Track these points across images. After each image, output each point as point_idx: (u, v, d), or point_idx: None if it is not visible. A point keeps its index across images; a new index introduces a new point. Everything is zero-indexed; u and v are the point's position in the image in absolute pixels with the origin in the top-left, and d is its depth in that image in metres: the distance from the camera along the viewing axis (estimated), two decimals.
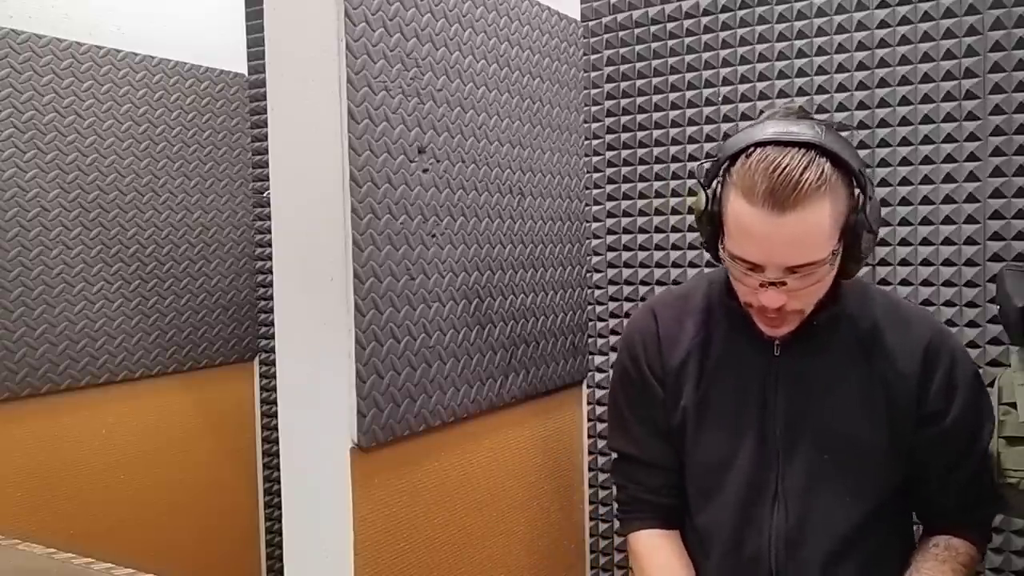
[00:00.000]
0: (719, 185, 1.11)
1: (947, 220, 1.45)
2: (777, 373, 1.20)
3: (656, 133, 1.70)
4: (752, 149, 1.05)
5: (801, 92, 1.54)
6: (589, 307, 1.81)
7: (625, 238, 1.76)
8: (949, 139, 1.43)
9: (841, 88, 1.51)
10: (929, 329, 1.20)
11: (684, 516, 1.31)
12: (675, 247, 1.70)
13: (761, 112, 1.56)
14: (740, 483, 1.21)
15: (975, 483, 1.17)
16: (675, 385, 1.27)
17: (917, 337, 1.18)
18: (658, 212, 1.72)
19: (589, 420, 1.82)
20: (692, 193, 1.15)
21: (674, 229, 1.70)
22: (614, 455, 1.39)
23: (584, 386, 1.83)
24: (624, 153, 1.75)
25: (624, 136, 1.74)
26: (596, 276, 1.80)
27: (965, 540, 1.20)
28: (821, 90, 1.53)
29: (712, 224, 1.12)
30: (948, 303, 1.45)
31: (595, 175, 1.78)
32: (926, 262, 1.47)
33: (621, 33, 1.73)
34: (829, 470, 1.18)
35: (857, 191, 1.06)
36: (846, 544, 1.17)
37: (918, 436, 1.17)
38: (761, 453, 1.20)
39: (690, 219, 1.66)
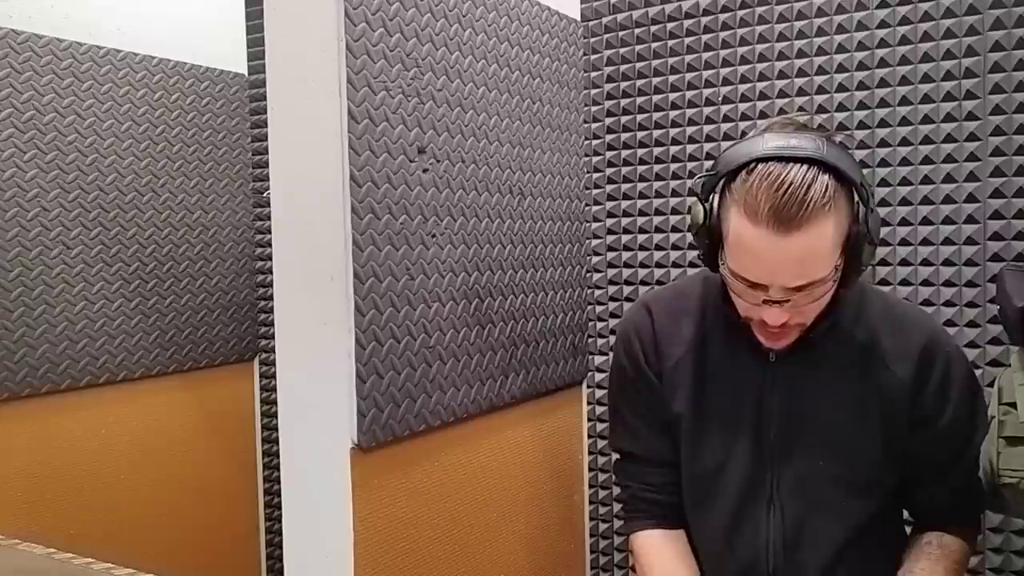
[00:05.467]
0: (718, 199, 1.08)
1: (947, 220, 1.45)
2: (773, 379, 1.19)
3: (656, 133, 1.70)
4: (753, 165, 1.02)
5: (801, 92, 1.54)
6: (589, 307, 1.81)
7: (625, 238, 1.76)
8: (949, 139, 1.43)
9: (841, 88, 1.51)
10: (925, 333, 1.18)
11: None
12: (675, 247, 1.70)
13: (761, 112, 1.57)
14: (734, 487, 1.21)
15: (968, 484, 1.16)
16: (670, 384, 1.26)
17: (913, 341, 1.17)
18: (658, 212, 1.72)
19: (589, 420, 1.82)
20: (691, 209, 1.14)
21: (674, 229, 1.70)
22: (616, 455, 1.38)
23: (584, 386, 1.82)
24: (624, 153, 1.75)
25: (624, 136, 1.74)
26: (596, 276, 1.80)
27: (957, 537, 1.20)
28: (821, 90, 1.53)
29: (711, 238, 1.10)
30: (948, 303, 1.45)
31: (595, 175, 1.78)
32: (926, 262, 1.47)
33: (621, 33, 1.73)
34: (825, 475, 1.17)
35: (857, 202, 1.04)
36: (844, 547, 1.17)
37: (911, 438, 1.17)
38: (756, 457, 1.20)
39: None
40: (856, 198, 1.04)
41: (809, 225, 0.99)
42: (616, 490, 1.39)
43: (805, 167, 1.00)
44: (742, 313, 1.13)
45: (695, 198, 1.12)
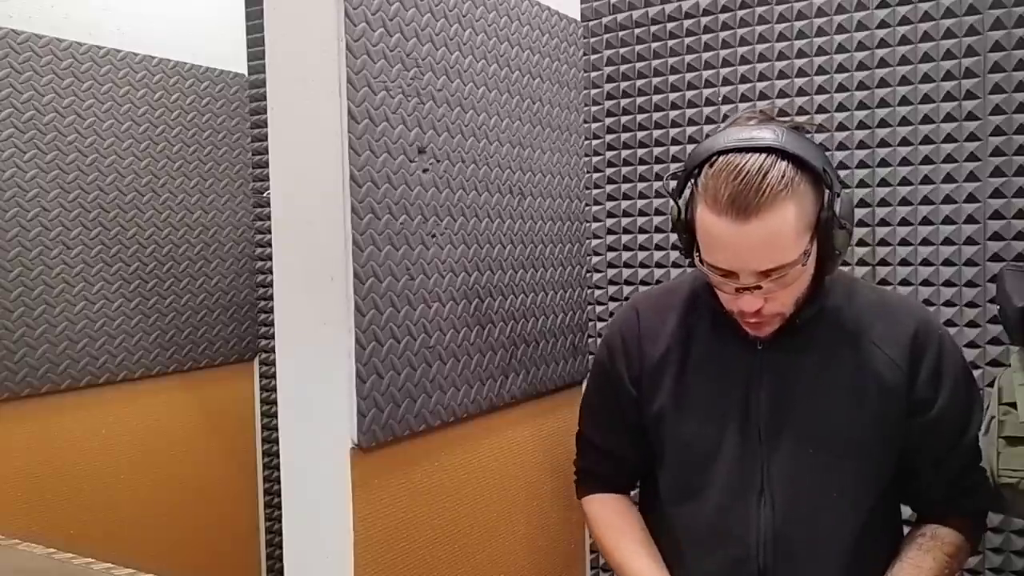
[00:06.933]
0: (687, 196, 1.13)
1: (947, 220, 1.45)
2: (761, 367, 1.20)
3: (656, 133, 1.70)
4: (715, 158, 1.06)
5: (801, 92, 1.54)
6: (589, 307, 1.81)
7: (625, 238, 1.76)
8: (949, 139, 1.43)
9: (841, 88, 1.51)
10: (916, 319, 1.20)
11: (658, 510, 1.30)
12: (675, 247, 1.70)
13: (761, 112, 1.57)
14: (724, 478, 1.20)
15: (965, 475, 1.17)
16: (653, 380, 1.27)
17: (904, 327, 1.18)
18: (658, 212, 1.72)
19: None
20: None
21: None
22: (579, 428, 1.43)
23: (584, 386, 1.82)
24: (624, 153, 1.75)
25: (624, 136, 1.74)
26: (596, 276, 1.80)
27: (953, 529, 1.20)
28: (821, 90, 1.53)
29: (687, 233, 1.14)
30: (948, 303, 1.45)
31: (595, 175, 1.79)
32: (926, 262, 1.47)
33: (621, 33, 1.73)
34: (816, 465, 1.17)
35: (824, 189, 1.07)
36: (838, 542, 1.16)
37: (907, 426, 1.17)
38: (745, 446, 1.19)
39: None
40: (822, 184, 1.07)
41: (767, 211, 1.02)
42: (576, 455, 1.44)
43: (763, 156, 1.04)
44: (725, 305, 1.17)
45: (670, 197, 1.17)
